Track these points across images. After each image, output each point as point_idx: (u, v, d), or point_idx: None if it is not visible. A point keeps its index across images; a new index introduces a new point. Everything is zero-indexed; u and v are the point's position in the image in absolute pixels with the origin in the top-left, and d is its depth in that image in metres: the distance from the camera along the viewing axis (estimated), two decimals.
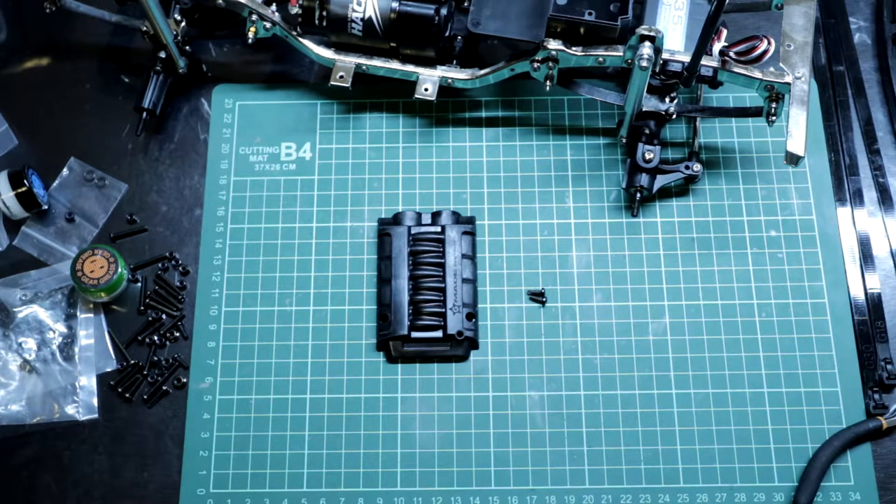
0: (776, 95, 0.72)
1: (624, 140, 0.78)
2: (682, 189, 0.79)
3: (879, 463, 0.71)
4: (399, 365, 0.75)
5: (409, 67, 0.78)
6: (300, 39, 0.79)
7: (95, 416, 0.74)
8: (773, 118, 0.73)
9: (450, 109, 0.83)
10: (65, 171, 0.82)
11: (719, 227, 0.78)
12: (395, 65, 0.79)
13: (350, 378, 0.74)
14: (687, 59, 0.71)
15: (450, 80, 0.78)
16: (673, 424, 0.72)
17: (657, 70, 0.72)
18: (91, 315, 0.77)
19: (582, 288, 0.76)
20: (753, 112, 0.76)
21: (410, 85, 0.79)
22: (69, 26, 0.87)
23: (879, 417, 0.71)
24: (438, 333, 0.74)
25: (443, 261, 0.76)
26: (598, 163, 0.81)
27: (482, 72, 0.78)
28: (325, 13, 0.76)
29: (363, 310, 0.76)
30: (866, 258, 0.77)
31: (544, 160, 0.81)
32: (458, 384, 0.74)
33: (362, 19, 0.76)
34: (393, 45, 0.78)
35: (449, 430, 0.73)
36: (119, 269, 0.75)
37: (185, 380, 0.75)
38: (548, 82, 0.76)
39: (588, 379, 0.74)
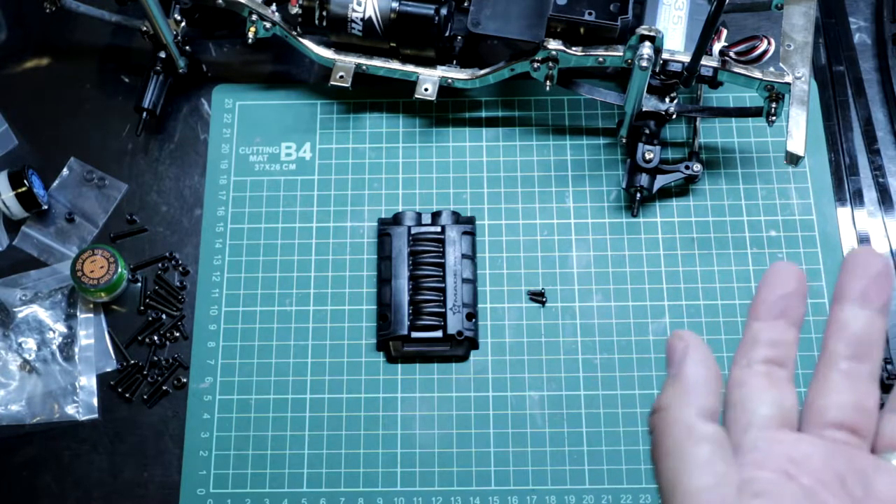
0: (776, 95, 0.72)
1: (624, 140, 0.78)
2: (682, 189, 0.79)
3: None
4: (399, 365, 0.75)
5: (409, 67, 0.78)
6: (300, 39, 0.79)
7: (95, 416, 0.74)
8: (773, 118, 0.73)
9: (450, 109, 0.83)
10: (65, 171, 0.82)
11: (719, 227, 0.78)
12: (395, 65, 0.79)
13: (350, 378, 0.74)
14: (687, 59, 0.71)
15: (450, 80, 0.78)
16: None
17: (657, 70, 0.72)
18: (91, 315, 0.77)
19: (582, 288, 0.76)
20: (753, 112, 0.76)
21: (410, 85, 0.79)
22: (69, 26, 0.87)
23: None
24: (438, 333, 0.74)
25: (443, 261, 0.76)
26: (598, 163, 0.81)
27: (482, 72, 0.78)
28: (325, 13, 0.76)
29: (363, 310, 0.76)
30: None
31: (544, 160, 0.81)
32: (458, 384, 0.74)
33: (362, 19, 0.76)
34: (393, 45, 0.78)
35: (449, 430, 0.73)
36: (119, 269, 0.75)
37: (185, 380, 0.75)
38: (548, 82, 0.76)
39: (588, 379, 0.74)
